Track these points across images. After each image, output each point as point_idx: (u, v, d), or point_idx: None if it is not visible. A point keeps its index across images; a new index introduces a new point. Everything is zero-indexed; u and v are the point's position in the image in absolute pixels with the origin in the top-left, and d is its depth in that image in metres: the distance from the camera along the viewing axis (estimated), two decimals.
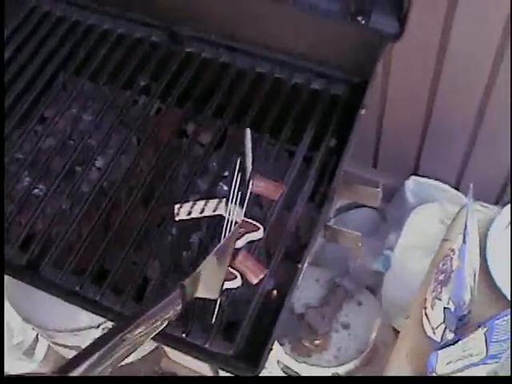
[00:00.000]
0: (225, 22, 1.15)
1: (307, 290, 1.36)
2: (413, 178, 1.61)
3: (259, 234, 0.96)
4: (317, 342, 1.28)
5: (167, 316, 0.79)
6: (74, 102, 1.16)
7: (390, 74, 1.37)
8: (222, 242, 0.92)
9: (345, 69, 1.10)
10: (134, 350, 0.74)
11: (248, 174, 1.00)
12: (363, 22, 1.04)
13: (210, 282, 0.85)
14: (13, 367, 1.66)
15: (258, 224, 0.97)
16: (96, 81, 1.18)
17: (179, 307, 0.80)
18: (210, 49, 1.17)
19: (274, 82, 1.13)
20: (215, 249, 0.89)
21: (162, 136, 1.11)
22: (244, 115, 1.10)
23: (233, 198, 0.99)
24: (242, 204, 0.99)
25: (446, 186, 1.58)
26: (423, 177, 1.61)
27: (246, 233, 0.96)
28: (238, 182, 1.00)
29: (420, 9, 1.10)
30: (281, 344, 1.27)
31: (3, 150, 1.11)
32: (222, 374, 1.38)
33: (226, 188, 1.07)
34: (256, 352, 0.88)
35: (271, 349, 0.89)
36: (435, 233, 1.44)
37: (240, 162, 1.02)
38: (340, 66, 1.10)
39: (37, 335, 1.67)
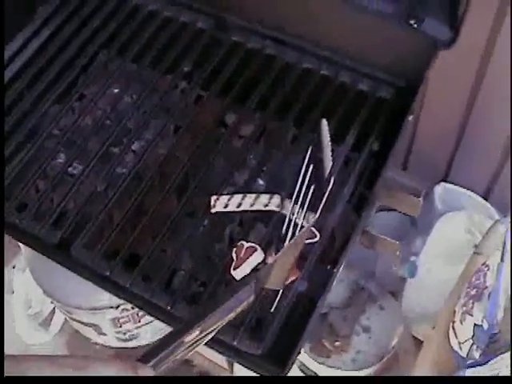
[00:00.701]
0: (274, 13, 1.13)
1: (332, 291, 1.34)
2: (442, 184, 1.59)
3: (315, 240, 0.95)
4: (337, 343, 1.27)
5: (240, 309, 0.76)
6: (115, 83, 1.15)
7: (430, 77, 1.35)
8: (296, 236, 0.91)
9: (393, 72, 1.08)
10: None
11: (327, 171, 0.95)
12: (415, 25, 1.01)
13: (278, 273, 0.83)
14: (28, 337, 1.67)
15: (315, 231, 0.95)
16: (138, 63, 1.16)
17: (252, 299, 0.78)
18: (256, 39, 1.15)
19: (320, 79, 1.11)
20: (290, 242, 0.88)
21: (201, 125, 1.09)
22: (287, 110, 1.08)
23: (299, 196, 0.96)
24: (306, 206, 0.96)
25: (475, 195, 1.56)
26: (453, 184, 1.59)
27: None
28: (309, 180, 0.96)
29: (469, 16, 1.08)
30: None
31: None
32: (237, 366, 1.37)
33: (262, 182, 1.05)
34: (283, 354, 0.87)
35: (299, 352, 0.88)
36: (461, 242, 1.43)
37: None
38: (388, 68, 1.08)
39: (54, 308, 1.67)
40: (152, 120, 1.11)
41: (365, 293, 1.33)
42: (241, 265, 0.92)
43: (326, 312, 1.30)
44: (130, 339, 1.53)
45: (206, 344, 0.83)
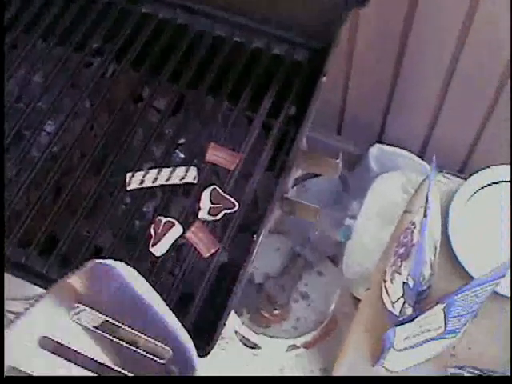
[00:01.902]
0: None
1: (267, 259, 1.34)
2: (377, 145, 1.59)
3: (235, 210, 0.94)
4: (276, 312, 1.26)
5: None
6: (24, 62, 1.11)
7: (356, 38, 1.34)
8: None
9: (308, 34, 1.06)
10: None
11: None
12: None
13: None
14: None
15: (233, 200, 0.94)
16: (47, 41, 1.12)
17: None
18: (166, 9, 1.12)
19: (234, 46, 1.09)
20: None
21: (116, 100, 1.07)
22: (202, 80, 1.06)
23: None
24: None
25: (410, 154, 1.56)
26: (388, 145, 1.59)
27: (223, 209, 0.93)
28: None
29: None
30: (239, 315, 1.25)
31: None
32: None
33: (182, 155, 1.03)
34: (208, 330, 0.86)
35: (224, 324, 0.86)
36: (397, 201, 1.43)
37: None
38: (303, 31, 1.06)
39: None
40: (65, 98, 1.07)
41: (301, 260, 1.32)
42: (159, 241, 0.90)
43: (262, 282, 1.29)
44: None
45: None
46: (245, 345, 1.26)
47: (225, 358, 1.28)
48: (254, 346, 1.25)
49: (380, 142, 1.60)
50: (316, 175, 1.15)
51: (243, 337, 1.25)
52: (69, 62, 1.10)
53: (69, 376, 0.61)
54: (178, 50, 1.08)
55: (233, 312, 1.22)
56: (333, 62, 1.00)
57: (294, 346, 1.23)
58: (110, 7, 1.14)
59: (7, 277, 1.30)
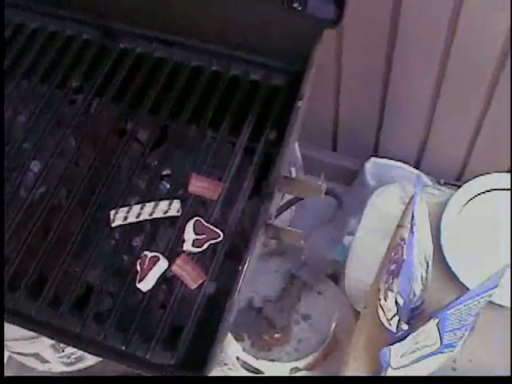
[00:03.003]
0: (157, 15, 1.11)
1: (266, 282, 1.34)
2: (372, 159, 1.59)
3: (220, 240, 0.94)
4: (277, 335, 1.26)
5: None
6: (8, 104, 1.12)
7: (343, 54, 1.34)
8: None
9: (284, 58, 1.06)
10: None
11: None
12: (299, 8, 1.00)
13: None
14: None
15: (218, 230, 0.94)
16: (29, 81, 1.13)
17: None
18: (144, 43, 1.13)
19: (212, 75, 1.09)
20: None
21: (99, 135, 1.07)
22: (183, 110, 1.06)
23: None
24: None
25: (406, 166, 1.56)
26: (383, 158, 1.58)
27: (207, 240, 0.93)
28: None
29: None
30: (240, 340, 1.25)
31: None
32: None
33: (168, 186, 1.03)
34: (199, 361, 0.85)
35: (216, 355, 0.86)
36: (396, 214, 1.42)
37: None
38: (279, 55, 1.06)
39: None
40: (49, 137, 1.08)
41: (299, 281, 1.32)
42: (145, 276, 0.90)
43: (261, 306, 1.29)
44: (76, 362, 1.50)
45: (116, 361, 0.82)
46: (247, 370, 1.26)
47: None
48: (256, 371, 1.25)
49: (375, 155, 1.59)
50: (302, 199, 1.15)
51: (244, 362, 1.24)
52: (52, 99, 1.11)
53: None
54: (158, 82, 1.09)
55: (233, 338, 1.22)
56: (320, 74, 1.01)
57: (297, 369, 1.23)
58: (88, 44, 1.15)
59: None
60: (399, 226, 1.16)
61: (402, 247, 1.00)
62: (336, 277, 1.43)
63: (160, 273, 0.91)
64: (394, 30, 1.23)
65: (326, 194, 1.22)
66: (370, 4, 1.18)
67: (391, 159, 1.58)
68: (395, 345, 0.91)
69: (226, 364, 1.28)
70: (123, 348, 0.88)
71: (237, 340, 1.24)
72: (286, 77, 1.06)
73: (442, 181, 1.21)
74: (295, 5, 1.00)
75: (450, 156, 1.51)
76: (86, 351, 0.92)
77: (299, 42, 1.02)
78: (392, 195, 1.47)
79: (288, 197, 1.20)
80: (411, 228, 0.92)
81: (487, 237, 1.08)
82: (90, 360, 1.52)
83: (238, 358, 1.25)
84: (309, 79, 0.97)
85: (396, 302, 0.96)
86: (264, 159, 1.00)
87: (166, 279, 0.94)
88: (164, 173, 1.04)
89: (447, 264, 1.06)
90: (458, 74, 1.27)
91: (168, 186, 1.03)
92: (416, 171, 1.55)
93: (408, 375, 0.99)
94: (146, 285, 0.90)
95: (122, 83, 1.10)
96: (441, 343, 0.92)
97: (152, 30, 1.12)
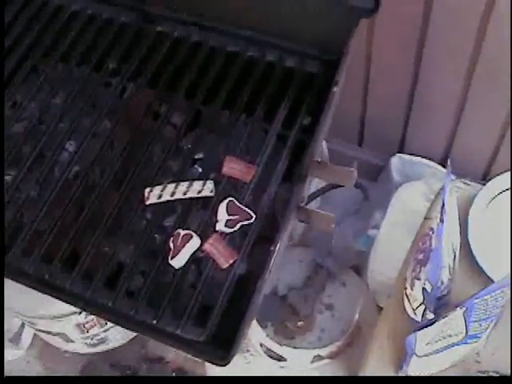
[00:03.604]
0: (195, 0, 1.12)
1: (291, 271, 1.34)
2: (398, 155, 1.59)
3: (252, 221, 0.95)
4: (300, 323, 1.27)
5: None
6: (45, 85, 1.14)
7: (372, 49, 1.35)
8: None
9: (319, 46, 1.07)
10: None
11: None
12: None
13: None
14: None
15: (250, 212, 0.95)
16: (66, 63, 1.15)
17: None
18: (181, 28, 1.14)
19: (247, 61, 1.10)
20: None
21: (134, 118, 1.09)
22: (217, 95, 1.07)
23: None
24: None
25: (432, 163, 1.57)
26: (409, 154, 1.59)
27: (240, 221, 0.94)
28: None
29: None
30: (264, 327, 1.26)
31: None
32: None
33: (200, 170, 1.05)
34: (228, 339, 0.87)
35: (245, 334, 0.87)
36: (420, 210, 1.42)
37: None
38: (314, 42, 1.07)
39: (22, 323, 1.65)
40: (84, 118, 1.10)
41: (324, 271, 1.33)
42: (178, 253, 0.92)
43: (286, 294, 1.30)
44: (99, 343, 1.52)
45: (148, 335, 0.83)
46: (270, 357, 1.27)
47: (250, 371, 1.29)
48: (279, 358, 1.26)
49: (401, 152, 1.60)
50: (335, 187, 1.15)
51: (268, 349, 1.25)
52: (88, 82, 1.13)
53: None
54: (193, 67, 1.10)
55: (257, 324, 1.23)
56: (349, 68, 1.01)
57: (319, 357, 1.23)
58: (125, 28, 1.16)
59: (32, 295, 1.33)
60: (426, 219, 1.16)
61: (431, 237, 1.01)
62: (359, 269, 1.43)
63: (193, 250, 0.92)
64: (425, 25, 1.23)
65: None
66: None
67: (417, 156, 1.58)
68: (421, 331, 0.92)
69: (248, 350, 1.29)
70: (154, 322, 0.89)
71: (261, 327, 1.25)
72: (320, 64, 1.07)
73: (463, 179, 1.22)
74: None
75: (477, 154, 1.51)
76: (117, 324, 0.93)
77: (335, 30, 1.04)
78: (417, 191, 1.48)
79: (314, 187, 1.21)
80: (441, 216, 0.93)
81: None
82: (113, 343, 1.54)
83: (261, 345, 1.26)
84: (344, 66, 0.98)
85: (423, 290, 0.97)
86: (297, 145, 1.01)
87: (196, 260, 0.95)
88: (196, 156, 1.06)
89: (474, 257, 1.07)
90: (487, 70, 1.27)
91: (200, 170, 1.05)
92: (442, 168, 1.56)
93: (424, 375, 1.00)
94: (178, 262, 0.92)
95: (157, 67, 1.11)
96: (466, 333, 0.93)
97: (189, 15, 1.14)
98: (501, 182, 1.13)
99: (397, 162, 1.59)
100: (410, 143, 1.58)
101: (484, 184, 1.14)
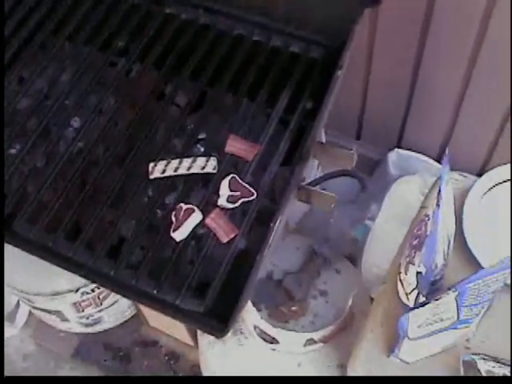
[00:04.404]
0: None
1: (287, 257, 1.36)
2: (396, 150, 1.61)
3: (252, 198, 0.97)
4: (294, 308, 1.28)
5: None
6: (52, 62, 1.16)
7: (375, 43, 1.37)
8: None
9: (324, 32, 1.09)
10: None
11: None
12: None
13: None
14: None
15: (252, 189, 0.97)
16: (74, 41, 1.17)
17: None
18: (189, 10, 1.16)
19: (253, 45, 1.12)
20: None
21: (139, 97, 1.11)
22: (222, 77, 1.09)
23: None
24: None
25: (428, 159, 1.58)
26: (406, 149, 1.61)
27: (241, 197, 0.96)
28: None
29: None
30: (258, 310, 1.27)
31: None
32: (203, 343, 1.38)
33: (202, 149, 1.06)
34: (226, 311, 0.89)
35: (242, 308, 0.89)
36: (415, 205, 1.44)
37: None
38: (319, 29, 1.09)
39: (18, 301, 1.67)
40: (90, 96, 1.11)
41: (319, 257, 1.34)
42: (180, 226, 0.94)
43: (281, 278, 1.31)
44: (94, 323, 1.54)
45: (150, 307, 0.85)
46: (263, 339, 1.28)
47: (243, 353, 1.30)
48: (272, 341, 1.27)
49: (398, 146, 1.62)
50: (334, 177, 1.17)
51: (262, 331, 1.27)
52: (95, 61, 1.15)
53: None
54: (200, 49, 1.12)
55: (252, 307, 1.24)
56: (350, 61, 1.03)
57: (312, 341, 1.25)
58: (135, 8, 1.18)
59: (31, 272, 1.35)
60: (422, 207, 1.18)
61: (426, 223, 1.02)
62: (354, 259, 1.45)
63: (194, 224, 0.94)
64: (428, 19, 1.25)
65: (350, 175, 1.26)
66: None
67: (414, 151, 1.60)
68: (414, 311, 0.93)
69: (242, 333, 1.30)
70: (155, 292, 0.91)
71: (256, 309, 1.26)
72: (324, 51, 1.10)
73: (460, 172, 1.23)
74: None
75: (473, 152, 1.52)
76: (118, 293, 0.95)
77: (340, 18, 1.06)
78: (413, 185, 1.49)
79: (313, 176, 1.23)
80: (437, 201, 0.95)
81: (507, 223, 1.10)
82: (108, 323, 1.55)
83: (255, 327, 1.27)
84: (348, 52, 1.00)
85: (417, 274, 0.99)
86: (299, 127, 1.03)
87: (196, 236, 0.97)
88: (199, 136, 1.07)
89: (468, 248, 1.08)
90: (487, 68, 1.29)
91: (202, 149, 1.07)
92: (438, 165, 1.57)
93: (416, 359, 1.01)
94: (180, 235, 0.94)
95: (164, 48, 1.13)
96: (457, 317, 0.94)
97: None
98: (496, 174, 1.15)
99: (394, 156, 1.61)
100: (408, 138, 1.60)
101: (478, 176, 1.16)
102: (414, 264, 1.00)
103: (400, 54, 1.37)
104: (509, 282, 1.00)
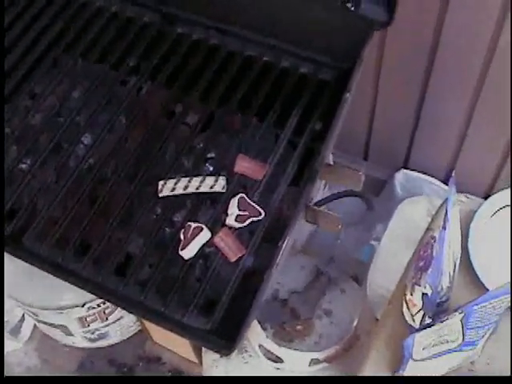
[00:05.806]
0: (216, 3, 1.15)
1: (292, 277, 1.37)
2: (402, 171, 1.62)
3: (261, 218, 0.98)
4: (299, 327, 1.29)
5: None
6: (65, 79, 1.17)
7: (382, 65, 1.38)
8: None
9: (333, 54, 1.10)
10: None
11: None
12: (352, 8, 1.04)
13: None
14: None
15: (260, 209, 0.98)
16: (86, 58, 1.18)
17: None
18: (200, 30, 1.18)
19: (263, 66, 1.13)
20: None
21: (149, 116, 1.12)
22: (232, 97, 1.10)
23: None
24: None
25: (435, 180, 1.59)
26: (413, 170, 1.61)
27: (249, 217, 0.97)
28: None
29: None
30: (263, 329, 1.28)
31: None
32: (207, 360, 1.38)
33: (211, 169, 1.07)
34: (233, 329, 0.89)
35: (248, 326, 0.90)
36: (422, 226, 1.44)
37: None
38: (328, 51, 1.10)
39: (23, 315, 1.67)
40: (101, 114, 1.13)
41: (325, 277, 1.35)
42: (188, 244, 0.94)
43: (287, 298, 1.32)
44: (99, 338, 1.54)
45: (155, 322, 0.85)
46: (268, 358, 1.29)
47: (247, 371, 1.31)
48: (276, 360, 1.27)
49: (405, 167, 1.63)
50: (340, 197, 1.18)
51: (267, 350, 1.27)
52: (106, 79, 1.16)
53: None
54: (210, 69, 1.14)
55: (257, 325, 1.25)
56: (358, 82, 1.04)
57: (317, 360, 1.25)
58: (146, 28, 1.20)
59: (38, 286, 1.36)
60: (428, 229, 1.18)
61: (432, 245, 1.03)
62: (359, 279, 1.45)
63: (202, 242, 0.95)
64: (436, 44, 1.26)
65: (357, 196, 1.26)
66: (414, 15, 1.22)
67: (421, 172, 1.61)
68: (420, 333, 0.94)
69: (246, 351, 1.31)
70: (162, 309, 0.91)
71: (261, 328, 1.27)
72: (333, 72, 1.10)
73: (466, 194, 1.24)
74: (348, 4, 1.04)
75: (479, 174, 1.53)
76: (126, 310, 0.96)
77: (349, 40, 1.07)
78: (419, 206, 1.50)
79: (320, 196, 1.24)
80: (444, 223, 0.95)
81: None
82: (113, 338, 1.56)
83: (260, 346, 1.28)
84: (357, 75, 1.01)
85: (423, 295, 0.99)
86: (308, 149, 1.04)
87: (204, 254, 0.97)
88: (209, 156, 1.08)
89: (473, 271, 1.09)
90: (494, 92, 1.30)
91: (211, 169, 1.07)
92: (445, 186, 1.58)
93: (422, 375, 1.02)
94: (188, 253, 0.94)
95: (175, 67, 1.15)
96: (463, 339, 0.95)
97: (209, 18, 1.17)
98: (502, 197, 1.15)
99: (401, 177, 1.62)
100: (415, 159, 1.61)
101: (484, 198, 1.16)
102: (419, 285, 1.01)
103: (407, 76, 1.38)
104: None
